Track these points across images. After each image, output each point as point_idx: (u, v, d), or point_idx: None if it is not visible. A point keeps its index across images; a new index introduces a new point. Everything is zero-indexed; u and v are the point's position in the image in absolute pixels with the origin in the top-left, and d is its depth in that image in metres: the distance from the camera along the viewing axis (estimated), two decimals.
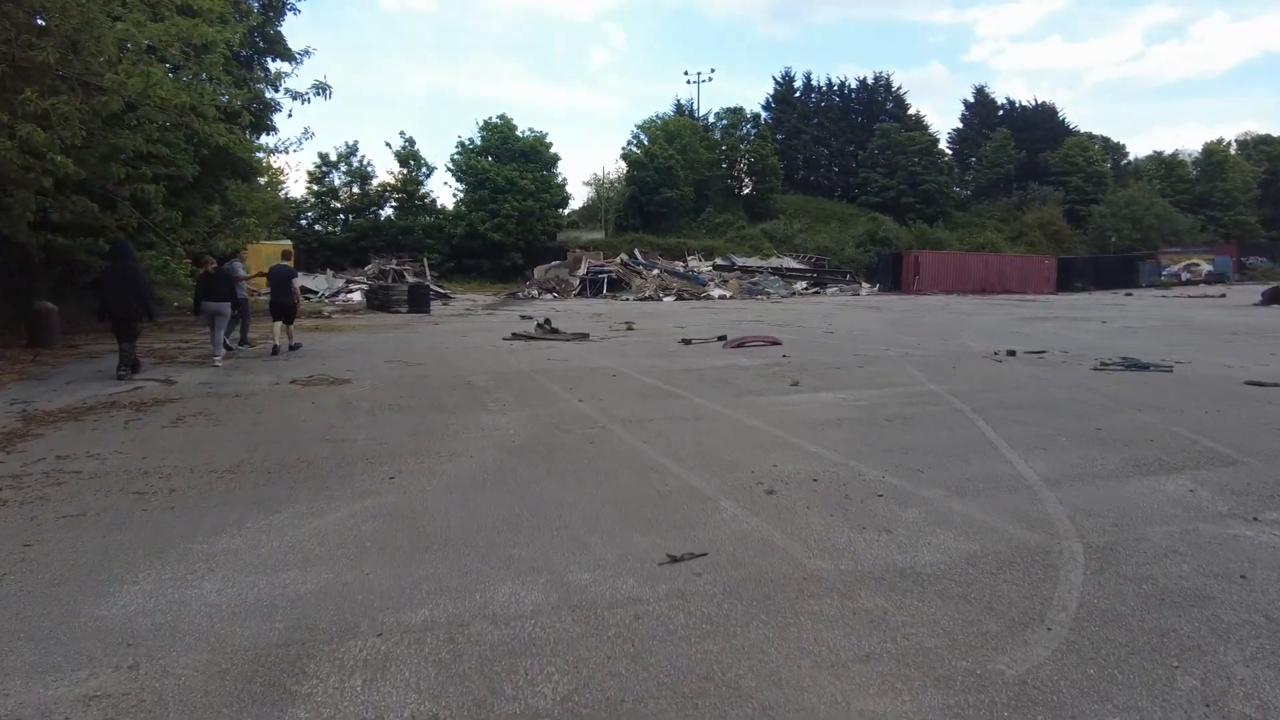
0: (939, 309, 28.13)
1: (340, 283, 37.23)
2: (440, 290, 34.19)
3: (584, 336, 16.21)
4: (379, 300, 26.82)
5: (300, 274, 33.05)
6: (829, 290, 43.28)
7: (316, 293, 32.79)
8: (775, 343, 14.31)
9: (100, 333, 16.54)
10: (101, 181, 11.52)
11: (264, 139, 21.42)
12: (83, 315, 19.45)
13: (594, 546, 4.14)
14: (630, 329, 18.20)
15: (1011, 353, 12.85)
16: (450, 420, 7.51)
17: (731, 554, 4.05)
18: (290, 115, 20.26)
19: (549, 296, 37.25)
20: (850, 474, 5.57)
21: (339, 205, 49.87)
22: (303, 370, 11.14)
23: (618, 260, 41.23)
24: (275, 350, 13.01)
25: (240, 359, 12.66)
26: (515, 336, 16.25)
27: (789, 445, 6.42)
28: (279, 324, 13.32)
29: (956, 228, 64.21)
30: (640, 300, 34.87)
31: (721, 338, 15.25)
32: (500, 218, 45.71)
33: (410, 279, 34.94)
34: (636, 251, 45.75)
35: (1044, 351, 13.20)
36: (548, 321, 17.14)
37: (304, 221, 49.48)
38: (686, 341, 14.71)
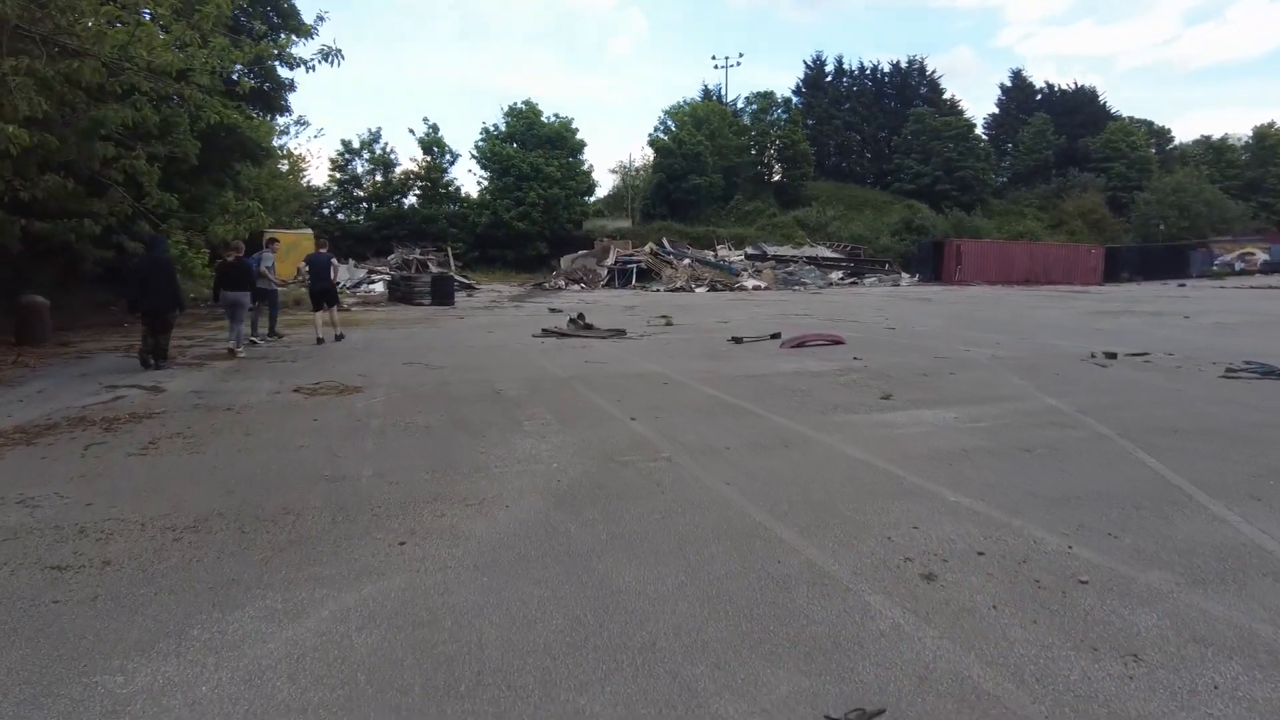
0: (993, 302, 26.38)
1: (362, 273, 36.05)
2: (464, 281, 32.93)
3: (620, 333, 14.78)
4: (401, 291, 25.56)
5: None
6: (867, 280, 41.51)
7: (338, 283, 31.53)
8: (838, 341, 12.79)
9: (100, 328, 15.39)
10: (88, 161, 10.22)
11: (279, 120, 20.19)
12: (86, 310, 18.36)
13: (704, 692, 2.70)
14: (669, 324, 16.73)
15: (1112, 355, 11.23)
16: (478, 447, 6.09)
17: (921, 710, 2.59)
18: (294, 88, 18.89)
19: (576, 287, 35.86)
20: (1023, 541, 4.08)
21: (362, 193, 48.84)
22: (310, 374, 9.80)
23: (647, 249, 39.74)
24: (320, 341, 13.13)
25: (247, 359, 11.37)
26: (546, 333, 14.85)
27: (918, 491, 4.93)
28: (319, 315, 13.50)
29: (994, 216, 62.08)
30: (671, 291, 33.40)
31: (775, 335, 13.74)
32: (525, 205, 44.38)
33: (434, 269, 33.72)
34: (664, 240, 44.24)
35: (1147, 354, 11.57)
36: (581, 316, 15.73)
37: (326, 210, 48.55)
38: (737, 340, 13.23)
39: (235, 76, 10.94)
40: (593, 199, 53.65)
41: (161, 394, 8.52)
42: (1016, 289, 39.20)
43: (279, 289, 15.39)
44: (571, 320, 15.58)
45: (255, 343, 13.32)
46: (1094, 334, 14.92)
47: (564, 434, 6.51)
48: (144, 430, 6.70)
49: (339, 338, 13.64)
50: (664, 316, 18.37)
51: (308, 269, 13.89)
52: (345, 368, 10.45)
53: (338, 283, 31.11)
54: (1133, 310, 21.64)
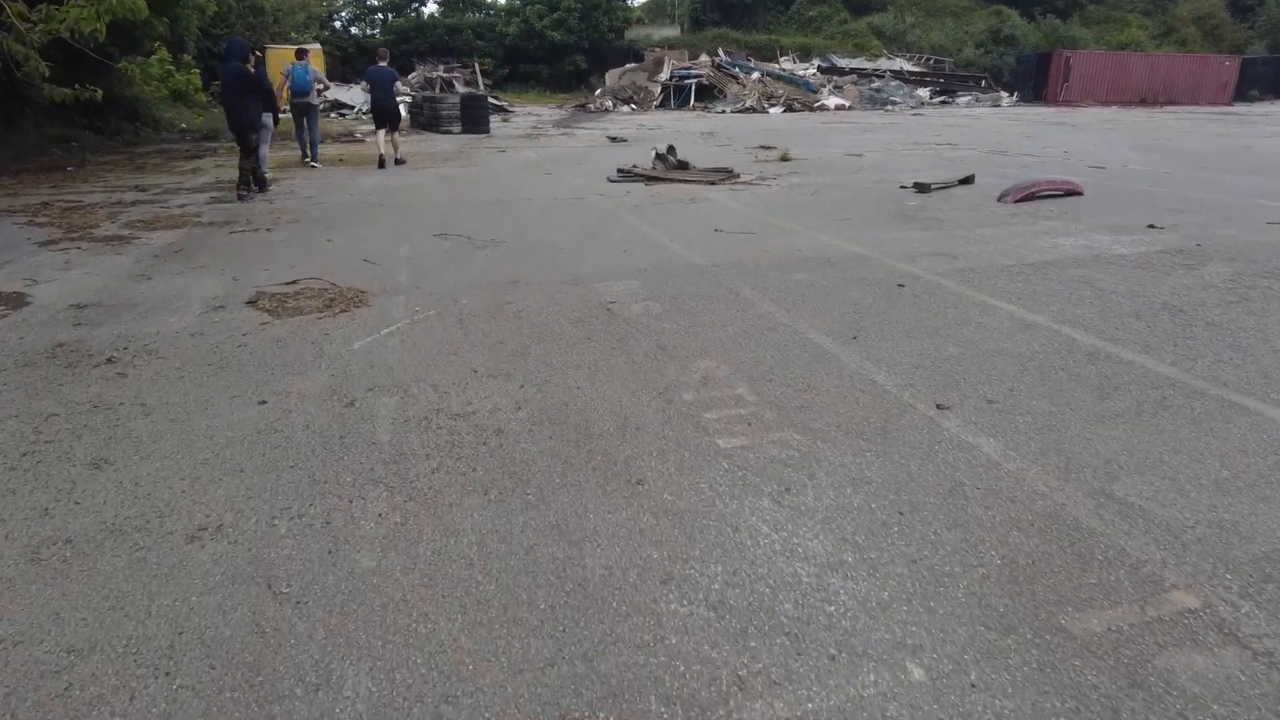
0: (1151, 126, 21.37)
1: None
2: (497, 103, 28.01)
3: (729, 175, 10.62)
4: (425, 117, 20.99)
5: (332, 84, 27.16)
6: (961, 99, 35.59)
7: (352, 108, 26.95)
8: (1074, 191, 8.60)
9: (36, 175, 11.52)
10: None
11: None
12: (37, 148, 14.39)
13: None
14: (786, 160, 12.41)
15: None
16: (645, 543, 2.36)
17: None
18: None
19: (626, 109, 30.78)
20: None
21: (376, 2, 42.72)
22: (289, 257, 6.00)
23: (708, 62, 33.94)
24: (381, 164, 11.93)
25: (210, 224, 7.54)
26: (625, 176, 10.72)
27: None
28: (382, 133, 12.17)
29: (1092, 25, 53.86)
30: (740, 112, 28.31)
31: (967, 180, 9.55)
32: (560, 11, 38.23)
33: (461, 89, 28.77)
34: (721, 51, 38.12)
35: None
36: (671, 151, 11.47)
37: (337, 23, 42.78)
38: (922, 188, 9.03)
39: None
40: (635, 2, 46.74)
41: (19, 311, 4.81)
42: (1139, 110, 33.33)
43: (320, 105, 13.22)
44: (659, 156, 11.35)
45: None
46: None
47: (822, 467, 2.74)
48: None
49: (399, 162, 12.27)
50: (771, 148, 13.98)
51: (369, 86, 12.67)
52: (346, 241, 6.63)
53: (349, 108, 26.71)
54: None
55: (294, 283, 5.32)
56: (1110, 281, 5.11)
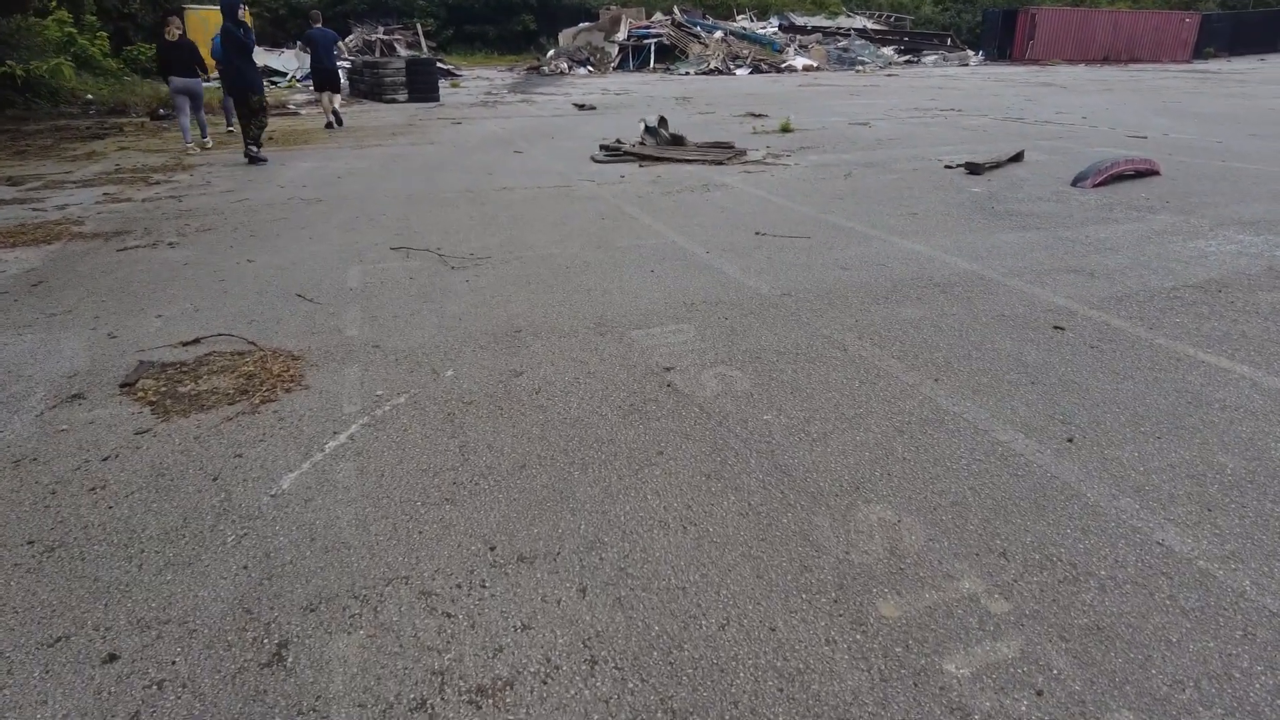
0: (1133, 84, 20.31)
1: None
2: (445, 67, 25.78)
3: (734, 151, 9.08)
4: (367, 84, 18.84)
5: (263, 49, 24.60)
6: (928, 59, 34.27)
7: (285, 74, 24.42)
8: (1152, 171, 7.29)
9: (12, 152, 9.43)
10: None
11: None
12: (35, 122, 12.20)
13: None
14: (787, 131, 10.87)
15: None
16: None
17: None
18: None
19: (582, 71, 28.79)
20: None
21: None
22: (193, 300, 4.32)
23: (667, 21, 31.98)
24: (330, 125, 12.22)
25: (93, 233, 5.75)
26: (611, 155, 9.09)
27: None
28: (327, 95, 12.45)
29: None
30: (704, 74, 26.61)
31: (1017, 157, 8.17)
32: None
33: (403, 52, 26.47)
34: (675, 9, 36.11)
35: None
36: (663, 123, 9.83)
37: None
38: (975, 169, 7.60)
39: None
40: None
41: None
42: (1109, 68, 32.48)
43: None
44: (649, 129, 9.70)
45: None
46: None
47: None
48: None
49: (331, 125, 12.24)
50: (762, 116, 12.44)
51: (309, 48, 12.59)
52: (273, 261, 4.96)
53: (281, 75, 24.25)
54: None
55: (196, 342, 3.68)
56: None
